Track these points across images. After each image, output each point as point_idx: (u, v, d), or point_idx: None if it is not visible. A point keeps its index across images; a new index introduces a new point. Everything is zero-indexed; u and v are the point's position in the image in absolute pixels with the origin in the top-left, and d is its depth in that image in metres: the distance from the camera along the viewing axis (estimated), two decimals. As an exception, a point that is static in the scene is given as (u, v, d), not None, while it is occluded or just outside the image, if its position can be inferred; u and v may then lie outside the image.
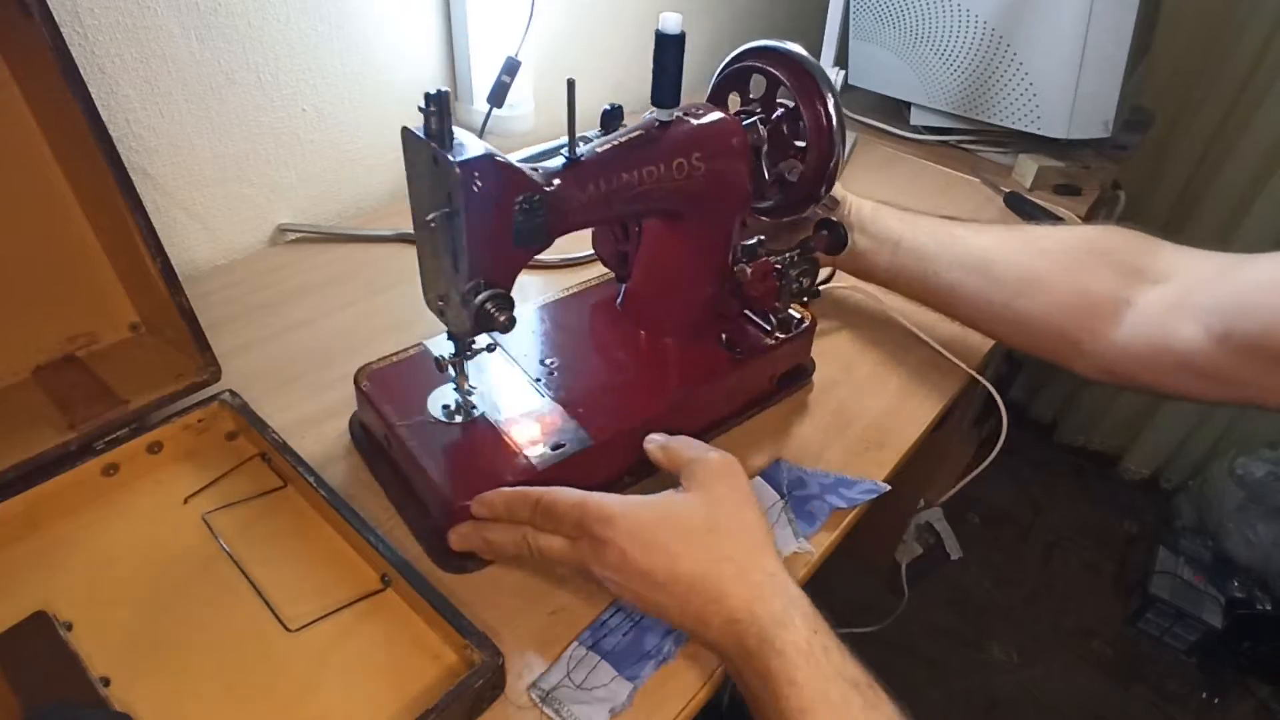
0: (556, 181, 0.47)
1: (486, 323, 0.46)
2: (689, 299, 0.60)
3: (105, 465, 0.53)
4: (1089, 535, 1.66)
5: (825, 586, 0.51)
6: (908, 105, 1.14)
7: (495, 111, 0.77)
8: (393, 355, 0.57)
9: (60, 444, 0.51)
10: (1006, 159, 1.08)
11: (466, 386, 0.53)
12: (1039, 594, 1.54)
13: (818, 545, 0.53)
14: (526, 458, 0.50)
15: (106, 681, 0.42)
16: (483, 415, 0.53)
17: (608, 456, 0.53)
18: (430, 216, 0.44)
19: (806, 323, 0.63)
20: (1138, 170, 1.46)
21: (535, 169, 0.47)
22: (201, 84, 0.72)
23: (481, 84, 0.86)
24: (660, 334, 0.61)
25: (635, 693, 0.43)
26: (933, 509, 1.58)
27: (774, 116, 0.58)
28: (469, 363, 0.52)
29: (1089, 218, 0.98)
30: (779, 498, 0.55)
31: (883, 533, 0.55)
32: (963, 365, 0.69)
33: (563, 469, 0.50)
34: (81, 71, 0.47)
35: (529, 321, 0.62)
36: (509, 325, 0.47)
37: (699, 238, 0.57)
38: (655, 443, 0.49)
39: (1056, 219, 0.90)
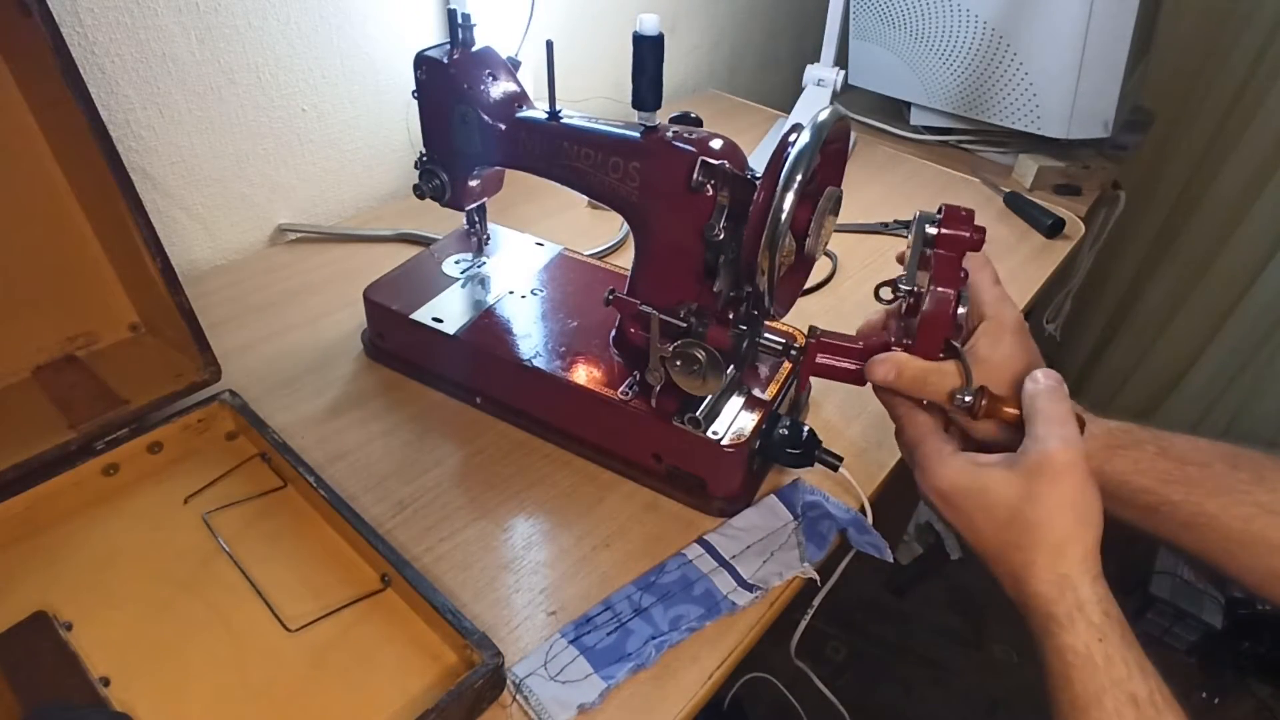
0: (517, 119, 0.56)
1: (421, 186, 0.62)
2: (624, 304, 0.55)
3: (105, 465, 0.53)
4: (1089, 535, 1.66)
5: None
6: (908, 105, 1.14)
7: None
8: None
9: (60, 444, 0.51)
10: (1006, 159, 1.08)
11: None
12: (1039, 594, 1.54)
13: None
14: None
15: (106, 681, 0.42)
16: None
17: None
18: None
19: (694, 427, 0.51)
20: (1138, 170, 1.46)
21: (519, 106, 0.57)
22: (201, 84, 0.72)
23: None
24: (625, 325, 0.58)
25: (607, 693, 0.43)
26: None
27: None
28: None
29: (1089, 218, 0.98)
30: (792, 518, 0.54)
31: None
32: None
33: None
34: (81, 71, 0.47)
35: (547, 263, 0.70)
36: (431, 195, 0.61)
37: (643, 251, 0.55)
38: (1038, 384, 0.43)
39: (1057, 219, 0.90)
